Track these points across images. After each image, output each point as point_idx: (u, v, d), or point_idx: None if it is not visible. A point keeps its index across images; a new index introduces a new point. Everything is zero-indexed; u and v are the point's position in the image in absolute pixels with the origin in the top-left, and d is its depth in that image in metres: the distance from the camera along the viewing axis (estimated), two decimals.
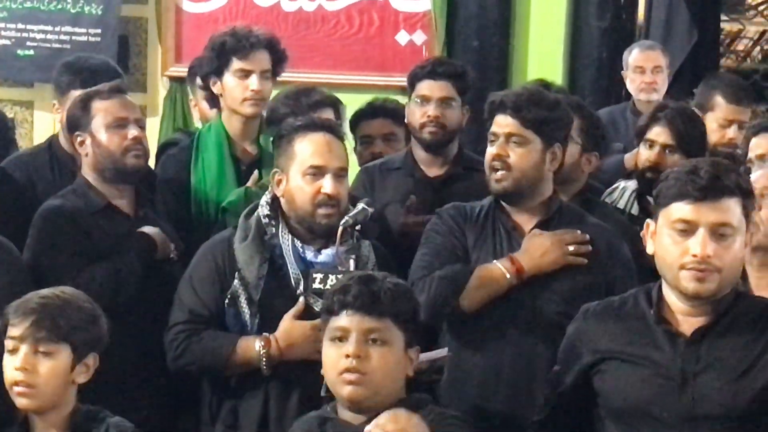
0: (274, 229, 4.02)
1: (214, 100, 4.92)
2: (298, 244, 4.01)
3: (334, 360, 3.33)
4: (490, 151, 4.07)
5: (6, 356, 3.45)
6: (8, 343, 3.44)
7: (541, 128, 4.02)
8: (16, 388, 3.42)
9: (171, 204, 4.76)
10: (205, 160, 4.77)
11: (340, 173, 4.03)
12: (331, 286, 3.75)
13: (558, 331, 3.93)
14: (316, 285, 3.83)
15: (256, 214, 4.06)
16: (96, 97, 4.47)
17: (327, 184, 3.97)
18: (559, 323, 3.93)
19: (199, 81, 5.27)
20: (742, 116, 5.77)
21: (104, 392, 3.59)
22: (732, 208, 3.24)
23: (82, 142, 4.46)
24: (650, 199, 4.86)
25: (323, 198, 3.97)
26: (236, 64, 4.79)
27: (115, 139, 4.40)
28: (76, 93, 4.97)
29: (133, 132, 4.42)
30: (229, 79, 4.80)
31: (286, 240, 4.01)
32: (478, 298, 3.99)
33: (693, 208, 3.22)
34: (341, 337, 3.34)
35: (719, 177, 3.23)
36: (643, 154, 4.90)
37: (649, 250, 3.36)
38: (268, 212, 4.04)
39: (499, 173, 4.04)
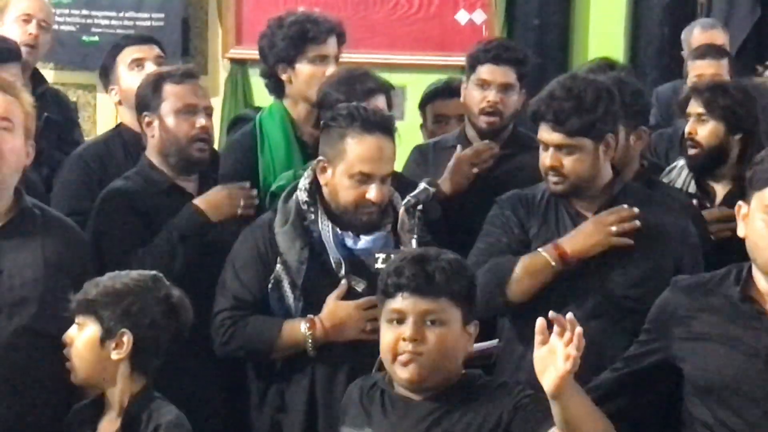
0: (312, 215, 4.01)
1: (277, 88, 4.85)
2: (338, 230, 4.00)
3: (391, 342, 3.31)
4: (543, 161, 4.01)
5: None
6: None
7: (589, 131, 3.94)
8: None
9: None
10: (273, 145, 4.72)
11: (387, 177, 4.01)
12: None
13: (627, 315, 3.91)
14: (379, 265, 3.80)
15: (294, 197, 4.05)
16: (168, 80, 4.45)
17: (373, 192, 3.95)
18: (629, 307, 3.91)
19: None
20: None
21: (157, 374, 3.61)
22: None
23: (149, 123, 4.46)
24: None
25: (367, 203, 3.96)
26: (314, 50, 4.74)
27: (184, 126, 4.40)
28: (123, 54, 5.04)
29: (201, 121, 4.40)
30: (305, 66, 4.74)
31: (325, 226, 3.99)
32: (524, 288, 3.92)
33: None
34: (398, 320, 3.31)
35: None
36: (686, 130, 4.91)
37: (740, 232, 3.30)
38: (307, 198, 4.03)
39: (556, 178, 3.99)
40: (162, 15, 8.15)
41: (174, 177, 4.45)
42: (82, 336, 3.49)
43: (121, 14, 8.22)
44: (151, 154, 4.49)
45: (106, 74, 5.16)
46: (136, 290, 3.51)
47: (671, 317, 3.42)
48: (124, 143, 4.90)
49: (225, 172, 4.72)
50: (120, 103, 5.08)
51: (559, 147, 3.96)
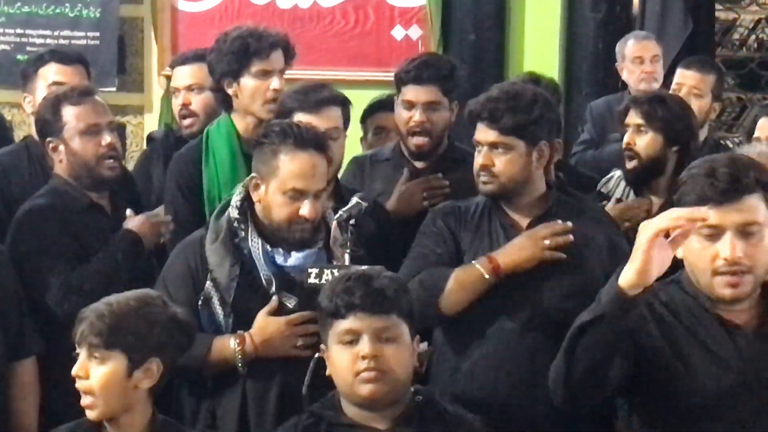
0: (243, 232, 4.00)
1: (225, 102, 4.84)
2: (268, 247, 3.99)
3: (349, 363, 3.31)
4: (477, 160, 4.05)
5: None
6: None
7: (522, 132, 3.99)
8: (83, 401, 3.37)
9: (179, 203, 4.72)
10: (217, 159, 4.72)
11: (320, 194, 4.01)
12: (326, 281, 3.74)
13: (560, 328, 3.93)
14: (312, 280, 3.81)
15: (226, 214, 4.04)
16: (66, 101, 4.44)
17: (306, 208, 3.94)
18: (561, 321, 3.92)
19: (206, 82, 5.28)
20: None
21: None
22: (755, 205, 3.19)
23: (55, 148, 4.45)
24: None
25: (300, 219, 3.96)
26: (257, 65, 4.71)
27: (89, 147, 4.40)
28: (45, 69, 5.00)
29: (106, 138, 4.41)
30: (249, 80, 4.72)
31: (255, 244, 3.99)
32: (457, 301, 3.96)
33: (716, 212, 3.16)
34: (352, 340, 3.32)
35: (738, 177, 3.18)
36: (624, 140, 4.95)
37: (679, 254, 3.25)
38: (238, 215, 4.01)
39: (486, 178, 4.03)
40: (97, 33, 8.12)
41: (90, 194, 4.45)
42: (104, 370, 3.34)
43: (56, 33, 8.17)
44: (63, 175, 4.48)
45: (25, 81, 5.12)
46: (151, 315, 3.39)
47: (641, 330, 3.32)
48: (30, 157, 4.89)
49: (170, 186, 4.76)
50: (33, 114, 5.01)
51: (492, 145, 4.00)
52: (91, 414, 3.37)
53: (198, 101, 5.38)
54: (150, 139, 5.72)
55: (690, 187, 3.22)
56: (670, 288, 3.34)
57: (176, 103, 5.51)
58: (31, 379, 4.07)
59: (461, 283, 3.95)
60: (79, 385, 3.36)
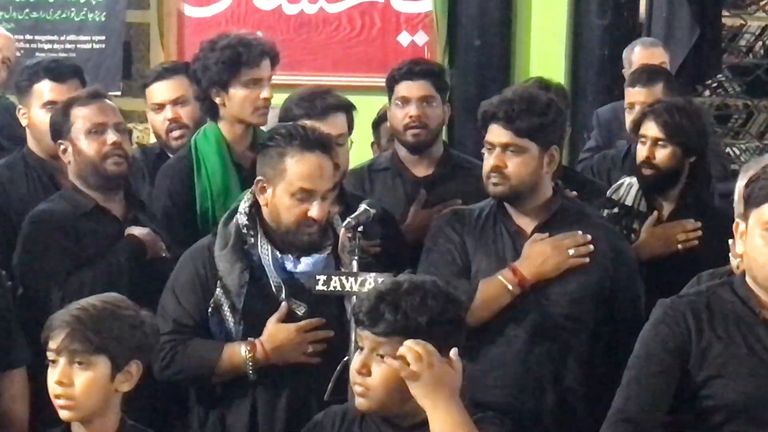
0: (252, 239, 4.00)
1: (211, 110, 4.80)
2: (278, 253, 3.99)
3: (352, 370, 3.32)
4: (488, 161, 4.06)
5: (49, 369, 3.35)
6: (49, 355, 3.34)
7: (536, 135, 4.01)
8: (57, 402, 3.32)
9: (173, 218, 4.70)
10: (209, 169, 4.70)
11: (328, 195, 4.02)
12: (334, 288, 3.77)
13: (564, 332, 3.96)
14: (319, 287, 3.82)
15: (234, 220, 4.04)
16: (75, 104, 4.46)
17: (315, 209, 3.94)
18: (565, 325, 3.97)
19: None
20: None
21: None
22: None
23: (64, 150, 4.46)
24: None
25: (309, 221, 3.96)
26: (247, 74, 4.69)
27: (95, 145, 4.40)
28: (40, 86, 4.94)
29: (111, 137, 4.41)
30: (238, 90, 4.69)
31: (265, 250, 3.99)
32: (484, 315, 4.01)
33: None
34: (360, 349, 3.31)
35: None
36: (639, 151, 4.91)
37: (739, 250, 3.27)
38: (247, 222, 4.01)
39: (497, 179, 4.04)
40: (103, 38, 8.14)
41: (99, 199, 4.44)
42: (89, 375, 3.29)
43: (62, 38, 8.19)
44: (73, 179, 4.48)
45: (19, 93, 5.04)
46: (128, 318, 3.35)
47: (685, 341, 3.29)
48: (28, 167, 4.86)
49: (159, 199, 4.75)
50: (28, 126, 4.97)
51: (505, 146, 4.02)
52: (66, 415, 3.33)
53: (186, 113, 5.33)
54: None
55: (763, 183, 3.19)
56: (721, 290, 3.33)
57: (159, 118, 5.40)
58: (21, 389, 4.06)
59: (487, 297, 3.99)
60: (60, 391, 3.31)
